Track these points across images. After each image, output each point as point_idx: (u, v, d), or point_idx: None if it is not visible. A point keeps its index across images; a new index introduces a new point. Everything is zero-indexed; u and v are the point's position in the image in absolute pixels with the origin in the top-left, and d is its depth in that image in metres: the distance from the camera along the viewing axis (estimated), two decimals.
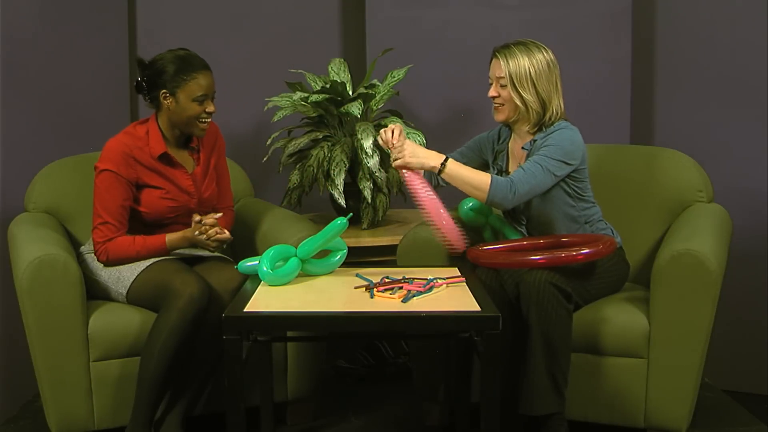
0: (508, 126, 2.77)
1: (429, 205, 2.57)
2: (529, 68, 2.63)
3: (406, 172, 2.59)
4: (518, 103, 2.65)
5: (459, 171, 2.59)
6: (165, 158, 2.72)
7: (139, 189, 2.69)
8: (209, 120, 2.72)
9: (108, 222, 2.65)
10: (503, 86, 2.66)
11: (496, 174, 2.80)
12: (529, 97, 2.64)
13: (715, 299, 2.55)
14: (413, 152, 2.59)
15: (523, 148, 2.70)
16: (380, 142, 2.67)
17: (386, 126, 2.79)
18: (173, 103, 2.67)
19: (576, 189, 2.68)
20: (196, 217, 2.69)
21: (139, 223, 2.72)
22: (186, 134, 2.76)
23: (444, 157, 2.59)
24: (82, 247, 2.80)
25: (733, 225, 2.91)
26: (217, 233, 2.67)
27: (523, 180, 2.56)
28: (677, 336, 2.55)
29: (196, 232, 2.66)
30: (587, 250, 2.50)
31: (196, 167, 2.79)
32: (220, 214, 2.74)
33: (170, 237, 2.68)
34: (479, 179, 2.57)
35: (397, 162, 2.60)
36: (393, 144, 2.62)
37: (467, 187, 2.59)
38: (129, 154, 2.66)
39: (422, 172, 2.62)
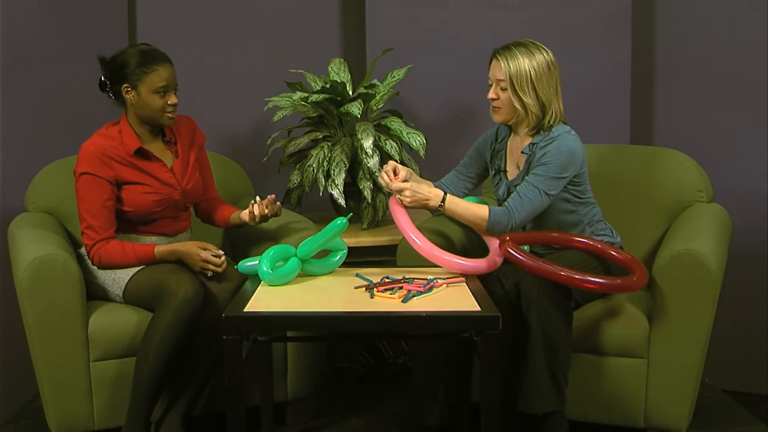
0: (508, 125, 2.77)
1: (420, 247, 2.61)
2: (529, 71, 2.61)
3: (393, 205, 2.66)
4: (518, 106, 2.64)
5: (457, 206, 2.62)
6: (141, 153, 2.72)
7: (120, 188, 2.69)
8: (174, 110, 2.71)
9: (93, 225, 2.65)
10: (503, 89, 2.64)
11: (494, 173, 2.80)
12: (529, 100, 2.62)
13: (715, 299, 2.55)
14: (414, 198, 2.61)
15: (522, 152, 2.70)
16: (382, 183, 2.70)
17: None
18: (135, 96, 2.68)
19: (575, 193, 2.68)
20: (254, 209, 2.67)
21: (127, 222, 2.73)
22: (156, 127, 2.76)
23: (442, 195, 2.61)
24: (81, 248, 2.80)
25: (733, 225, 2.91)
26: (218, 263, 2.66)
27: (520, 208, 2.58)
28: (677, 336, 2.55)
29: (201, 270, 2.65)
30: (619, 282, 2.48)
31: (176, 160, 2.79)
32: (272, 196, 2.71)
33: (159, 249, 2.68)
34: (477, 213, 2.61)
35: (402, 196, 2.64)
36: (392, 185, 2.64)
37: (466, 220, 2.64)
38: (104, 154, 2.66)
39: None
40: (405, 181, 2.67)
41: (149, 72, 2.65)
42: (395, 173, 2.68)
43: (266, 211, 2.70)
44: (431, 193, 2.63)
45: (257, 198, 2.70)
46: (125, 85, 2.67)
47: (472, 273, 2.59)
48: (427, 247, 2.59)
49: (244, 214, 2.76)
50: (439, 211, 2.68)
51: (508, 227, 2.60)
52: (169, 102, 2.68)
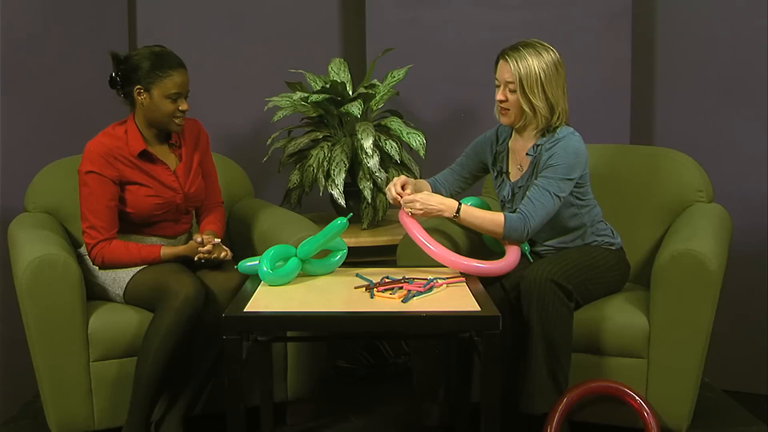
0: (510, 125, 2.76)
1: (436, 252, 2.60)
2: (539, 72, 2.58)
3: (405, 217, 2.65)
4: (527, 108, 2.62)
5: (472, 216, 2.62)
6: (145, 155, 2.72)
7: (122, 189, 2.69)
8: (183, 117, 2.71)
9: (95, 225, 2.65)
10: (512, 91, 2.62)
11: (496, 175, 2.80)
12: (539, 102, 2.60)
13: (715, 299, 2.55)
14: (426, 210, 2.62)
15: (527, 154, 2.69)
16: (389, 198, 2.71)
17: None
18: (147, 99, 2.67)
19: (578, 195, 2.68)
20: (198, 238, 2.68)
21: (128, 223, 2.73)
22: (163, 131, 2.76)
23: (456, 205, 2.61)
24: (81, 248, 2.80)
25: (733, 225, 2.91)
26: (219, 253, 2.69)
27: (534, 213, 2.57)
28: (677, 336, 2.55)
29: (196, 258, 2.67)
30: None
31: (179, 163, 2.79)
32: (218, 240, 2.73)
33: (165, 251, 2.69)
34: (493, 221, 2.60)
35: (413, 207, 2.64)
36: (401, 199, 2.65)
37: (483, 228, 2.64)
38: (109, 154, 2.66)
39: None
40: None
41: (164, 76, 2.64)
42: (403, 188, 2.68)
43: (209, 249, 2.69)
44: (444, 204, 2.62)
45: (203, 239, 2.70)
46: (138, 86, 2.66)
47: (492, 275, 2.59)
48: (444, 254, 2.58)
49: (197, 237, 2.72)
50: None
51: (524, 233, 2.59)
52: (180, 108, 2.68)
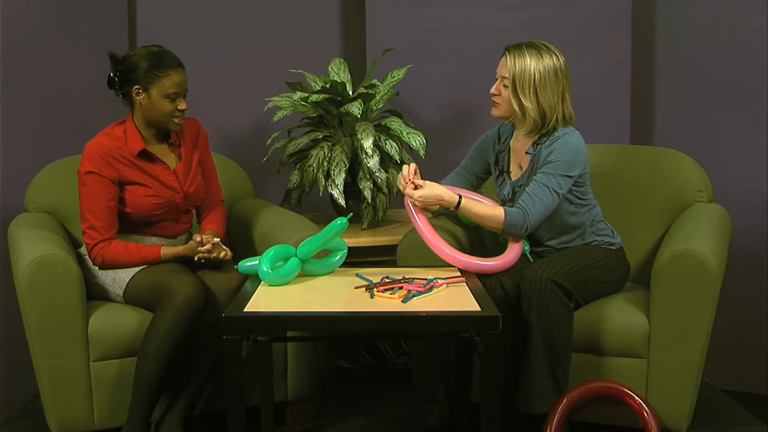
0: (512, 124, 2.76)
1: (431, 241, 2.62)
2: (534, 74, 2.59)
3: (410, 206, 2.66)
4: (516, 107, 2.63)
5: (473, 209, 2.62)
6: (145, 155, 2.72)
7: (122, 189, 2.69)
8: (182, 116, 2.71)
9: (95, 225, 2.65)
10: (505, 86, 2.64)
11: (498, 175, 2.80)
12: (528, 104, 2.61)
13: (715, 299, 2.55)
14: (426, 203, 2.63)
15: (527, 152, 2.70)
16: (399, 185, 2.71)
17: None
18: (146, 99, 2.67)
19: (577, 194, 2.68)
20: (198, 237, 2.69)
21: (127, 223, 2.72)
22: (162, 130, 2.76)
23: (457, 199, 2.62)
24: (81, 248, 2.80)
25: (733, 225, 2.91)
26: (218, 253, 2.70)
27: (533, 209, 2.58)
28: (677, 336, 2.55)
29: (196, 258, 2.68)
30: None
31: (179, 162, 2.79)
32: (217, 240, 2.73)
33: (165, 251, 2.69)
34: (492, 216, 2.60)
35: (413, 201, 2.65)
36: (408, 182, 2.65)
37: (482, 223, 2.64)
38: (108, 154, 2.66)
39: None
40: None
41: (162, 76, 2.64)
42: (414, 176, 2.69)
43: (209, 249, 2.69)
44: (443, 200, 2.63)
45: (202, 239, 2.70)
46: (136, 86, 2.67)
47: (487, 272, 2.61)
48: (442, 246, 2.60)
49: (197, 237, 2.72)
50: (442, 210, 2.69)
51: (523, 228, 2.60)
52: (178, 107, 2.68)
